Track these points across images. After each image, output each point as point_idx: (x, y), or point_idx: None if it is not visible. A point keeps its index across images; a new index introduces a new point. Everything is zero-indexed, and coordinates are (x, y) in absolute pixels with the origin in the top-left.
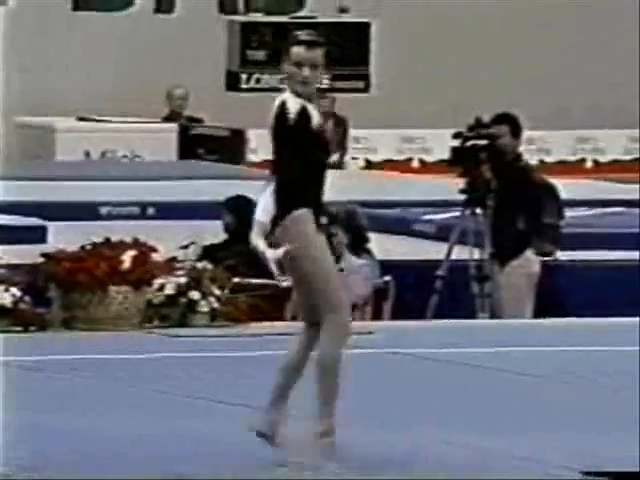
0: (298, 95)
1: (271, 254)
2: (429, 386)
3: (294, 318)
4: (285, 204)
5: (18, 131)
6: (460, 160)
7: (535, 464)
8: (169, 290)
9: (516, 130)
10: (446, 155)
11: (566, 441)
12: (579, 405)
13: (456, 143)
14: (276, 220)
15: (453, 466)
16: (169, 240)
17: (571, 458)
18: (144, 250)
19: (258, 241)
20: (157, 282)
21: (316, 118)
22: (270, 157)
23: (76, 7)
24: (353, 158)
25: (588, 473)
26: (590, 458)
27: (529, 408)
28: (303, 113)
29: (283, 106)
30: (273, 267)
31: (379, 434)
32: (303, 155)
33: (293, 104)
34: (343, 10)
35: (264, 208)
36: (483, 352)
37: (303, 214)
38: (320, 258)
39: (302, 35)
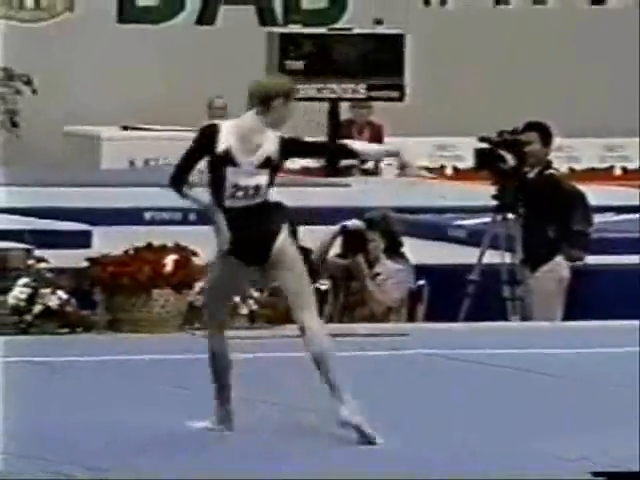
0: None
1: None
2: (460, 387)
3: (330, 319)
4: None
5: (65, 140)
6: (485, 163)
7: (559, 463)
8: None
9: (546, 138)
10: None
11: (586, 441)
12: (607, 407)
13: (482, 146)
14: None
15: (472, 464)
16: (209, 244)
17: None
18: (185, 254)
19: None
20: (198, 285)
21: None
22: (305, 164)
23: (121, 19)
24: (387, 165)
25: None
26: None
27: (557, 408)
28: None
29: None
30: None
31: (413, 434)
32: None
33: None
34: (378, 22)
35: None
36: (513, 354)
37: None
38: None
39: None
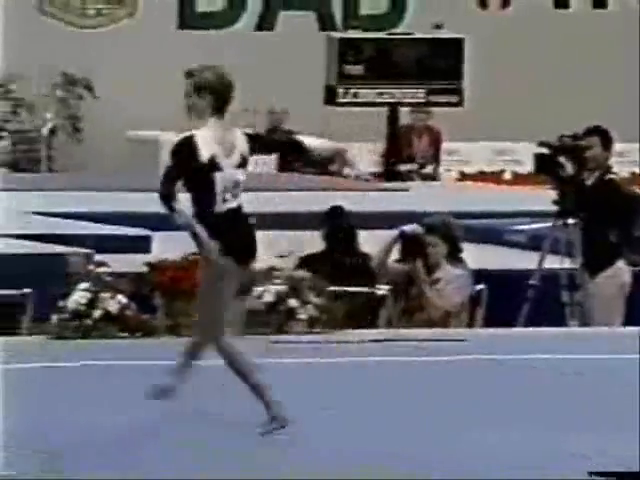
0: None
1: None
2: (517, 391)
3: (389, 324)
4: None
5: (128, 144)
6: (544, 168)
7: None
8: (268, 298)
9: (607, 142)
10: None
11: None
12: None
13: (541, 151)
14: None
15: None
16: (268, 249)
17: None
18: None
19: None
20: (257, 290)
21: None
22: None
23: (182, 25)
24: (447, 170)
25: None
26: None
27: (609, 411)
28: None
29: None
30: None
31: (468, 438)
32: None
33: None
34: (438, 26)
35: None
36: (571, 359)
37: None
38: None
39: None
